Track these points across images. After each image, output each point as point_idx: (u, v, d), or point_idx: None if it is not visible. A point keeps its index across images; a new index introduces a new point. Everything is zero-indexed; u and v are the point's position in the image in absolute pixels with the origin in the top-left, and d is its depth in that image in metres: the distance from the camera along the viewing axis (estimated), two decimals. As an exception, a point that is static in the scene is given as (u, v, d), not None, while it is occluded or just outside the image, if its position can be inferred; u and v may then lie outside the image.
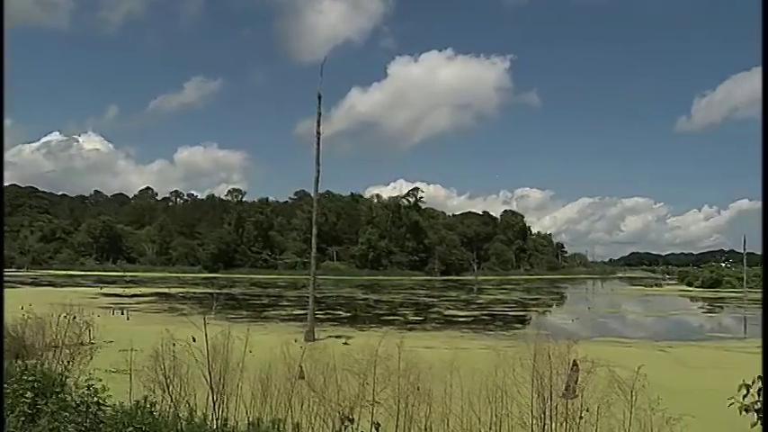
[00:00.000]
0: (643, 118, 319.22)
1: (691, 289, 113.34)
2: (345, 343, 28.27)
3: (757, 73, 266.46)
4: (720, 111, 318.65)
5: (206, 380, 10.08)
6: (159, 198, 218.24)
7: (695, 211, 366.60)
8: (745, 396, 6.57)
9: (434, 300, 76.57)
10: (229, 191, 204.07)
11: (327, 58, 52.34)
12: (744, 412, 6.57)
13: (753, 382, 6.60)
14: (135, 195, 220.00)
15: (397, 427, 9.01)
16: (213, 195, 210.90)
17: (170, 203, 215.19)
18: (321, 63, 39.59)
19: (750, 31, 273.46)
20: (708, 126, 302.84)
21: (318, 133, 37.32)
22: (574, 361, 10.04)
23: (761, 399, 6.57)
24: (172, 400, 10.19)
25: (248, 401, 10.29)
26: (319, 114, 37.61)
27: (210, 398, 10.10)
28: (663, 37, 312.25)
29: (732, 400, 6.64)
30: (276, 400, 10.19)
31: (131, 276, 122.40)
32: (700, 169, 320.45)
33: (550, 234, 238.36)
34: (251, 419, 10.05)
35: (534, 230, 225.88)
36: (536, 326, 45.82)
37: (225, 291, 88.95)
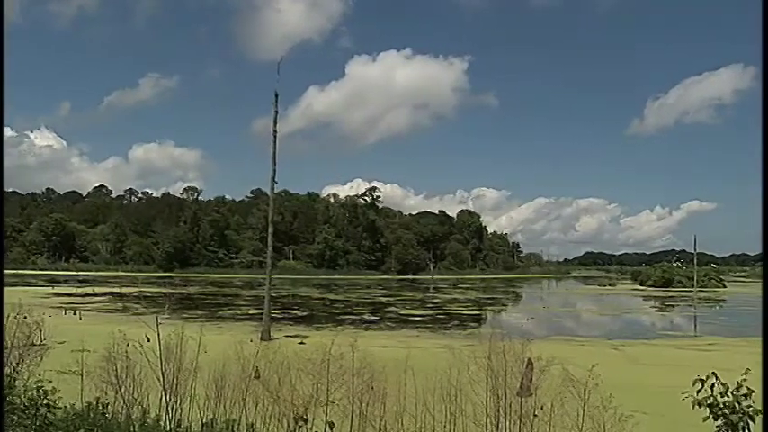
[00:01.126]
0: (598, 120, 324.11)
1: (643, 288, 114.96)
2: (301, 342, 28.22)
3: (709, 78, 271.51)
4: (672, 114, 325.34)
5: (159, 380, 9.96)
6: (113, 196, 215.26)
7: (648, 211, 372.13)
8: (698, 391, 6.69)
9: (391, 299, 76.62)
10: (185, 189, 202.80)
11: (285, 57, 52.30)
12: (697, 407, 6.68)
13: (707, 377, 6.72)
14: (88, 193, 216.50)
15: (351, 427, 8.99)
16: (169, 193, 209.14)
17: (124, 201, 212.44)
18: (278, 62, 39.51)
19: (703, 37, 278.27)
20: (660, 129, 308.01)
21: (275, 132, 37.17)
22: (528, 359, 10.11)
23: (713, 394, 6.70)
24: (124, 402, 10.05)
25: (202, 402, 10.19)
26: (276, 113, 37.46)
27: (164, 399, 9.98)
28: (617, 41, 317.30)
29: (686, 396, 6.75)
30: (230, 400, 10.10)
31: (84, 275, 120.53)
32: (652, 171, 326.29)
33: (506, 234, 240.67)
34: (205, 420, 9.96)
35: (490, 230, 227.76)
36: (492, 325, 46.16)
37: (180, 290, 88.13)
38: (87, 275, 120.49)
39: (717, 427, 6.63)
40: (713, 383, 6.72)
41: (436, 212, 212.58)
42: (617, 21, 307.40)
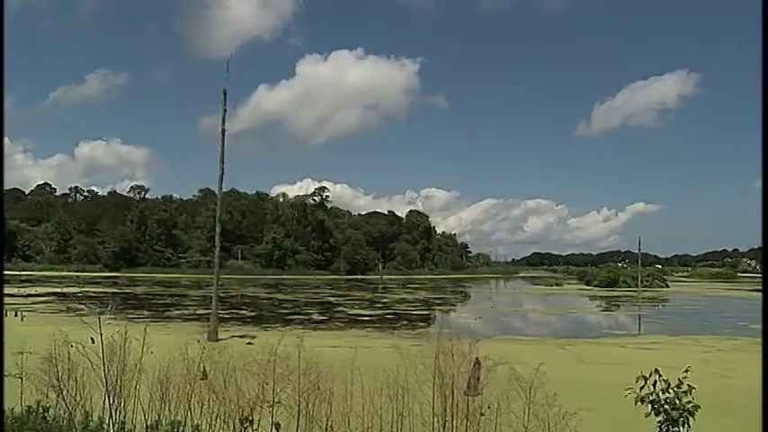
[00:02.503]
0: (546, 122, 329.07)
1: (589, 288, 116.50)
2: (249, 343, 28.01)
3: (654, 83, 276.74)
4: (618, 117, 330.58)
5: (102, 382, 9.78)
6: (58, 194, 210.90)
7: (594, 212, 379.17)
8: (641, 388, 6.81)
9: (340, 299, 76.55)
10: (132, 187, 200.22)
11: (235, 56, 51.85)
12: (639, 403, 6.80)
13: (650, 375, 6.84)
14: (32, 191, 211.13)
15: (297, 427, 8.94)
16: (115, 192, 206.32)
17: (69, 200, 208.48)
18: (228, 60, 39.08)
19: (650, 42, 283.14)
20: (607, 131, 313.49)
21: (223, 130, 36.86)
22: (476, 359, 10.16)
23: (656, 390, 6.82)
24: (66, 405, 9.84)
25: (146, 403, 10.04)
26: (224, 111, 37.12)
27: (107, 401, 9.81)
28: (566, 45, 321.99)
29: (628, 393, 6.86)
30: (176, 401, 9.96)
31: (27, 275, 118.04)
32: (599, 172, 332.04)
33: (455, 234, 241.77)
34: (149, 422, 9.81)
35: (439, 230, 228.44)
36: (440, 324, 46.40)
37: (126, 290, 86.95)
38: (30, 275, 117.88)
39: (658, 422, 6.76)
40: (655, 381, 6.85)
41: (385, 213, 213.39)
42: (566, 24, 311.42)
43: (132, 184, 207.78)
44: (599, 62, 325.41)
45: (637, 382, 6.92)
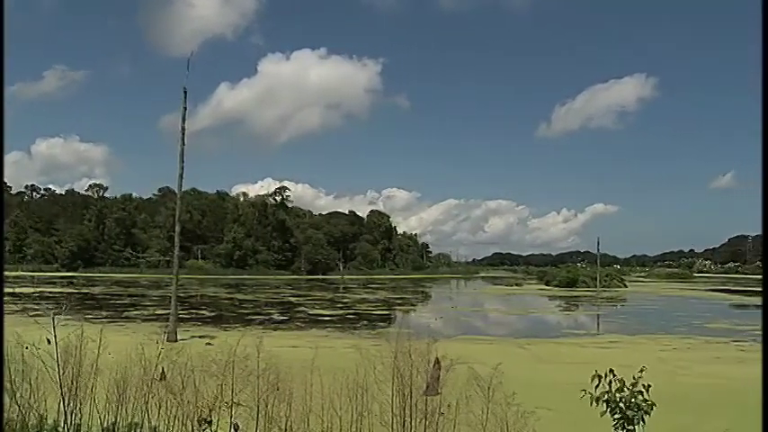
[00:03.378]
0: (507, 123, 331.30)
1: (549, 288, 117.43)
2: (209, 343, 27.79)
3: (614, 85, 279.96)
4: (578, 119, 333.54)
5: (57, 385, 9.63)
6: (13, 192, 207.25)
7: (554, 213, 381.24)
8: (596, 387, 6.87)
9: (300, 299, 76.35)
10: (90, 186, 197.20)
11: (196, 53, 51.37)
12: (594, 403, 6.86)
13: (605, 375, 6.90)
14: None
15: (257, 428, 8.89)
16: (73, 190, 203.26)
17: (25, 198, 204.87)
18: (188, 57, 38.80)
19: (611, 46, 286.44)
20: (567, 133, 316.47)
21: (183, 129, 36.61)
22: (436, 359, 10.19)
23: (610, 390, 6.89)
24: (20, 409, 9.68)
25: (103, 405, 9.91)
26: (185, 109, 36.87)
27: (62, 404, 9.66)
28: (527, 47, 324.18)
29: (584, 392, 6.91)
30: (133, 403, 9.85)
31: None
32: (559, 174, 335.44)
33: (416, 234, 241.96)
34: (106, 425, 9.69)
35: (400, 230, 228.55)
36: (401, 325, 46.47)
37: (84, 290, 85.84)
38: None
39: (614, 420, 6.83)
40: (610, 380, 6.92)
41: (346, 212, 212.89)
42: (527, 27, 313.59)
43: (91, 182, 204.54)
44: (560, 64, 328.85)
45: (592, 381, 6.98)
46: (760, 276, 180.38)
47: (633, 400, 6.78)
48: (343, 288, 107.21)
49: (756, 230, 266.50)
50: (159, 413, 9.60)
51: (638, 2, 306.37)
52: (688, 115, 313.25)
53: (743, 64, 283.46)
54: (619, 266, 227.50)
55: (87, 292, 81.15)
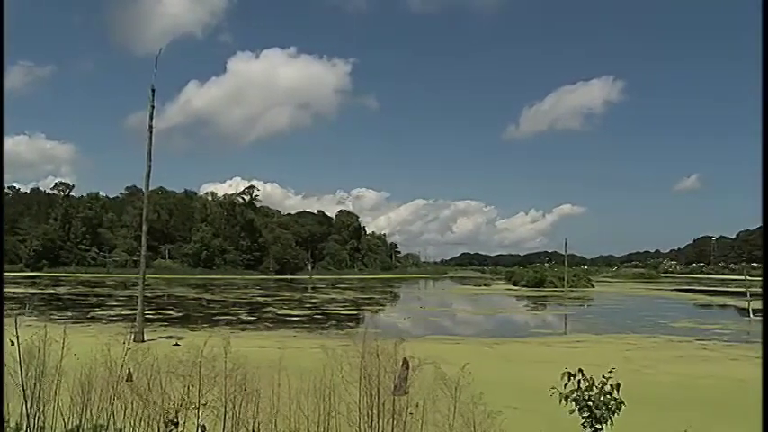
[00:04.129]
0: (475, 124, 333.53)
1: (517, 288, 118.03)
2: (176, 344, 27.58)
3: (582, 88, 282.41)
4: (546, 120, 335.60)
5: (19, 387, 9.49)
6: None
7: (522, 214, 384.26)
8: (566, 385, 6.92)
9: (268, 299, 76.07)
10: (56, 184, 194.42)
11: (165, 51, 50.87)
12: (564, 401, 6.91)
13: (574, 374, 6.95)
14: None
15: (223, 429, 8.84)
16: (38, 189, 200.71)
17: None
18: (156, 55, 38.39)
19: (579, 48, 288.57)
20: (535, 134, 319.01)
21: (151, 127, 36.34)
22: (404, 359, 10.20)
23: (580, 389, 6.94)
24: (-20, 411, 9.52)
25: (67, 407, 9.78)
26: (152, 108, 36.62)
27: (25, 406, 9.52)
28: (495, 48, 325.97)
29: (553, 391, 6.96)
30: (98, 405, 9.74)
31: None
32: (527, 175, 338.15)
33: (385, 234, 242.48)
34: (70, 427, 9.57)
35: (369, 230, 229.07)
36: (369, 324, 46.43)
37: (48, 290, 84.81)
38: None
39: (582, 418, 6.88)
40: (579, 379, 6.97)
41: (315, 212, 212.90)
42: (496, 28, 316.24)
43: (56, 180, 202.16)
44: (528, 66, 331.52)
45: (562, 379, 7.03)
46: (723, 277, 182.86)
47: (602, 398, 6.84)
48: (312, 288, 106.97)
49: (720, 232, 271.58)
50: (125, 414, 9.50)
51: (607, 5, 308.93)
52: (654, 118, 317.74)
53: (709, 68, 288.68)
54: (586, 267, 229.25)
55: (52, 293, 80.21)
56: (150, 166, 36.39)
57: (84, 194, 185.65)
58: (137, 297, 36.73)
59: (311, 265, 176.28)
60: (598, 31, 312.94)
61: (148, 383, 9.24)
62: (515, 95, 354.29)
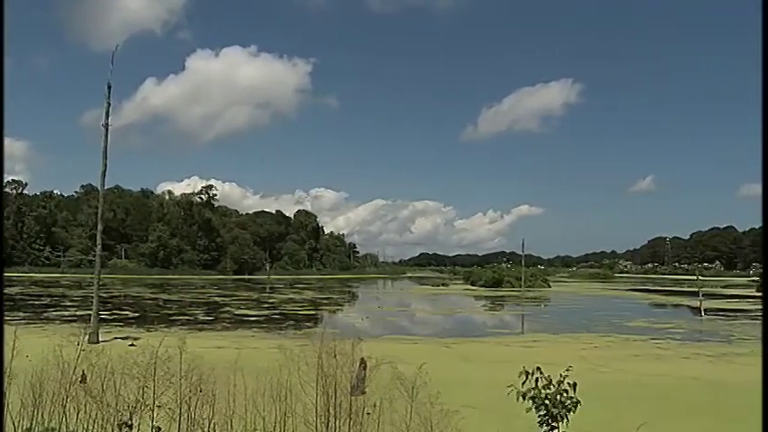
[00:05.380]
0: (435, 125, 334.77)
1: (475, 288, 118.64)
2: (132, 344, 27.25)
3: (541, 89, 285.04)
4: (505, 122, 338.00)
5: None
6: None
7: (481, 214, 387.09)
8: (523, 383, 6.98)
9: (226, 299, 75.59)
10: (9, 182, 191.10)
11: (122, 47, 50.25)
12: (521, 399, 6.97)
13: (531, 373, 7.02)
14: None
15: (179, 430, 8.76)
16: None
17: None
18: (113, 51, 37.92)
19: (538, 50, 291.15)
20: (494, 135, 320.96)
21: (107, 125, 35.91)
22: (362, 359, 10.19)
23: (537, 386, 7.00)
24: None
25: (17, 411, 9.60)
26: (108, 105, 36.16)
27: (-27, 409, 9.32)
28: (455, 49, 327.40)
29: (511, 389, 7.02)
30: (50, 407, 9.57)
31: None
32: (485, 176, 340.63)
33: (343, 234, 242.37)
34: (20, 430, 9.40)
35: (328, 230, 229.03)
36: (327, 324, 46.35)
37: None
38: None
39: (539, 417, 6.95)
40: (536, 377, 7.04)
41: (273, 212, 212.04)
42: (456, 29, 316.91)
43: (9, 178, 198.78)
44: (488, 67, 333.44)
45: (519, 377, 7.09)
46: (677, 277, 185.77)
47: (558, 397, 6.90)
48: (270, 288, 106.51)
49: (674, 233, 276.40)
50: (78, 417, 9.35)
51: (568, 8, 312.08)
52: (611, 120, 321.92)
53: (666, 72, 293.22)
54: (543, 267, 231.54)
55: (4, 293, 78.70)
56: (106, 165, 35.95)
57: (38, 192, 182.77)
58: (92, 297, 36.27)
59: (269, 265, 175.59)
60: (558, 34, 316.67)
61: (102, 385, 9.11)
62: (475, 96, 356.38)
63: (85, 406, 9.27)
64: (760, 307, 62.61)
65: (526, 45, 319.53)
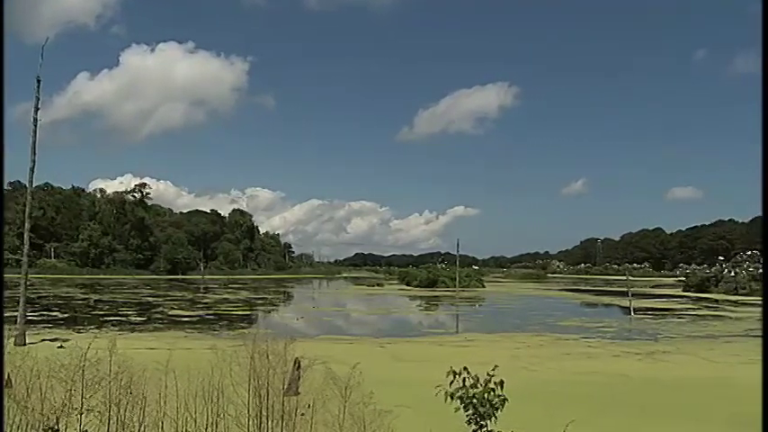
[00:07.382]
0: (371, 125, 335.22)
1: (410, 288, 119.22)
2: (60, 346, 26.70)
3: (478, 92, 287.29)
4: (440, 123, 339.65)
5: None
6: None
7: (416, 215, 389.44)
8: (451, 383, 7.03)
9: (159, 299, 74.45)
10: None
11: (53, 41, 49.01)
12: (449, 399, 7.03)
13: (459, 373, 7.08)
14: None
15: (108, 434, 8.61)
16: None
17: None
18: (43, 45, 37.05)
19: (475, 53, 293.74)
20: (429, 137, 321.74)
21: (36, 120, 35.02)
22: (296, 359, 10.17)
23: (464, 386, 7.07)
24: None
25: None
26: (38, 99, 35.27)
27: None
28: (391, 50, 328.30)
29: (439, 389, 7.07)
30: (-29, 413, 9.31)
31: None
32: (421, 177, 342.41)
33: (279, 234, 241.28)
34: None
35: (263, 230, 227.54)
36: (262, 325, 46.11)
37: None
38: None
39: (467, 416, 7.02)
40: (464, 377, 7.11)
41: (208, 211, 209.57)
42: (393, 30, 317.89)
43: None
44: (425, 69, 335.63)
45: (447, 377, 7.14)
46: (608, 277, 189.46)
47: (486, 396, 6.97)
48: (204, 288, 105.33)
49: (605, 234, 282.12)
50: (1, 423, 9.12)
51: (505, 12, 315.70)
52: (544, 124, 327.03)
53: (599, 77, 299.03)
54: (477, 267, 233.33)
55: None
56: (35, 161, 35.15)
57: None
58: (18, 298, 35.45)
59: (204, 265, 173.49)
60: (495, 38, 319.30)
61: (27, 389, 8.89)
62: (411, 97, 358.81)
63: (9, 411, 9.03)
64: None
65: (463, 48, 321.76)
